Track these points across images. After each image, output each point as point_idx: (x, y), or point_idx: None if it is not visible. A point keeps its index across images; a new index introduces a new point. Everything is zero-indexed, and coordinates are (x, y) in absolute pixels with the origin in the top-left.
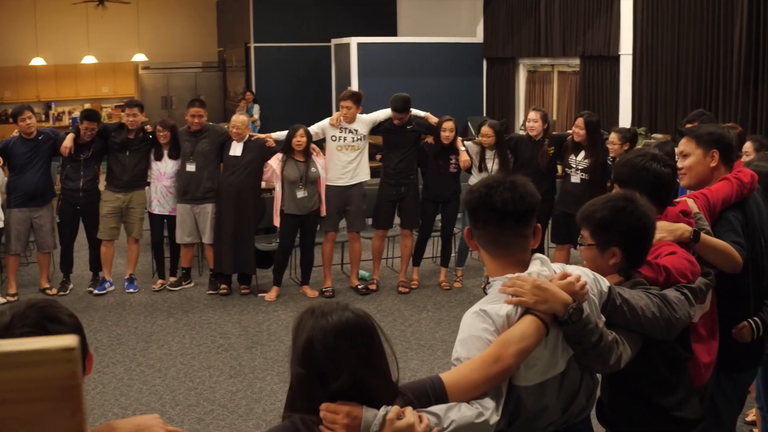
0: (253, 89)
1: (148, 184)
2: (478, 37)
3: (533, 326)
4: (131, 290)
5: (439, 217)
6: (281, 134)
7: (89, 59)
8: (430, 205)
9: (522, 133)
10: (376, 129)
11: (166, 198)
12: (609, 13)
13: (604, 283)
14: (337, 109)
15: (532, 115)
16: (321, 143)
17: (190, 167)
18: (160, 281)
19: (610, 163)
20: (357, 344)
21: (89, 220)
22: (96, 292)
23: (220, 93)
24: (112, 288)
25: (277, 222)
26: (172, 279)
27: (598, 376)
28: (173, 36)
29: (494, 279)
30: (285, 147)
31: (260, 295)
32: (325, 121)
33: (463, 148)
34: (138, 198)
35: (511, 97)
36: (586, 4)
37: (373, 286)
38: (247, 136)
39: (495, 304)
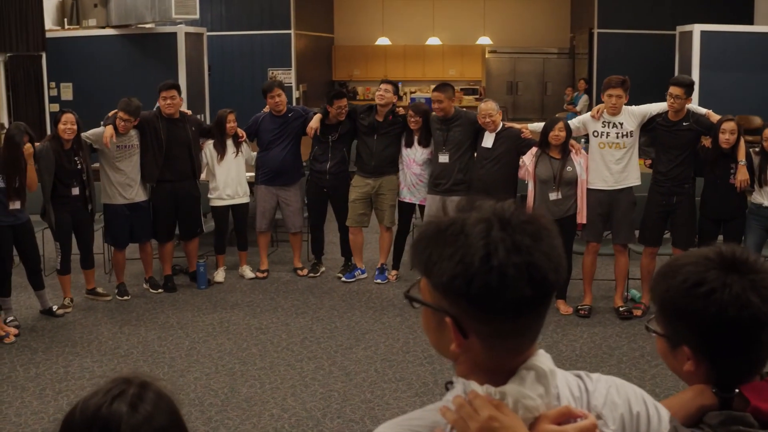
0: (594, 78)
1: (398, 170)
2: None
3: None
4: (379, 281)
5: (721, 237)
6: (538, 126)
7: (433, 41)
8: (709, 224)
9: None
10: (647, 126)
11: (417, 186)
12: None
13: (660, 423)
14: None
15: None
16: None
17: (443, 158)
18: (394, 272)
19: None
20: None
21: (337, 204)
22: (344, 279)
23: (569, 80)
24: (364, 276)
25: None
26: None
27: None
28: (522, 20)
29: (458, 381)
30: (540, 141)
31: None
32: (587, 115)
33: (743, 162)
34: (388, 184)
35: None
36: None
37: (638, 312)
38: (501, 125)
39: (420, 427)
